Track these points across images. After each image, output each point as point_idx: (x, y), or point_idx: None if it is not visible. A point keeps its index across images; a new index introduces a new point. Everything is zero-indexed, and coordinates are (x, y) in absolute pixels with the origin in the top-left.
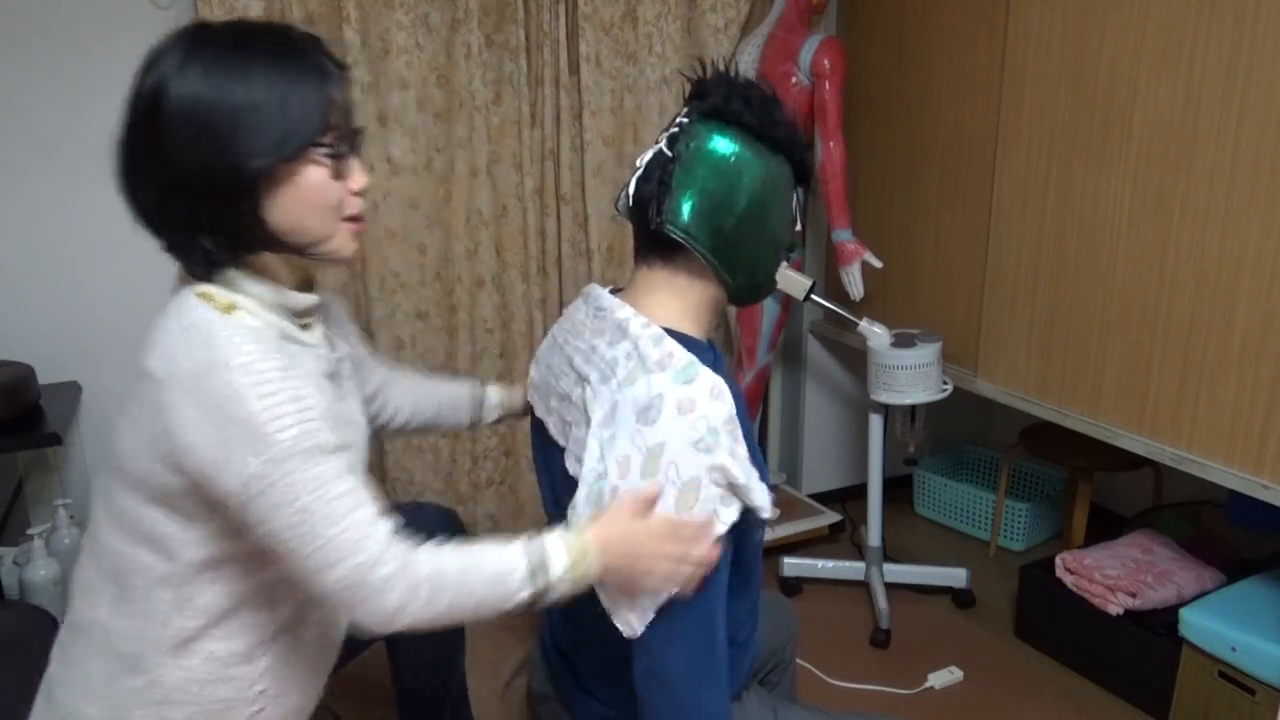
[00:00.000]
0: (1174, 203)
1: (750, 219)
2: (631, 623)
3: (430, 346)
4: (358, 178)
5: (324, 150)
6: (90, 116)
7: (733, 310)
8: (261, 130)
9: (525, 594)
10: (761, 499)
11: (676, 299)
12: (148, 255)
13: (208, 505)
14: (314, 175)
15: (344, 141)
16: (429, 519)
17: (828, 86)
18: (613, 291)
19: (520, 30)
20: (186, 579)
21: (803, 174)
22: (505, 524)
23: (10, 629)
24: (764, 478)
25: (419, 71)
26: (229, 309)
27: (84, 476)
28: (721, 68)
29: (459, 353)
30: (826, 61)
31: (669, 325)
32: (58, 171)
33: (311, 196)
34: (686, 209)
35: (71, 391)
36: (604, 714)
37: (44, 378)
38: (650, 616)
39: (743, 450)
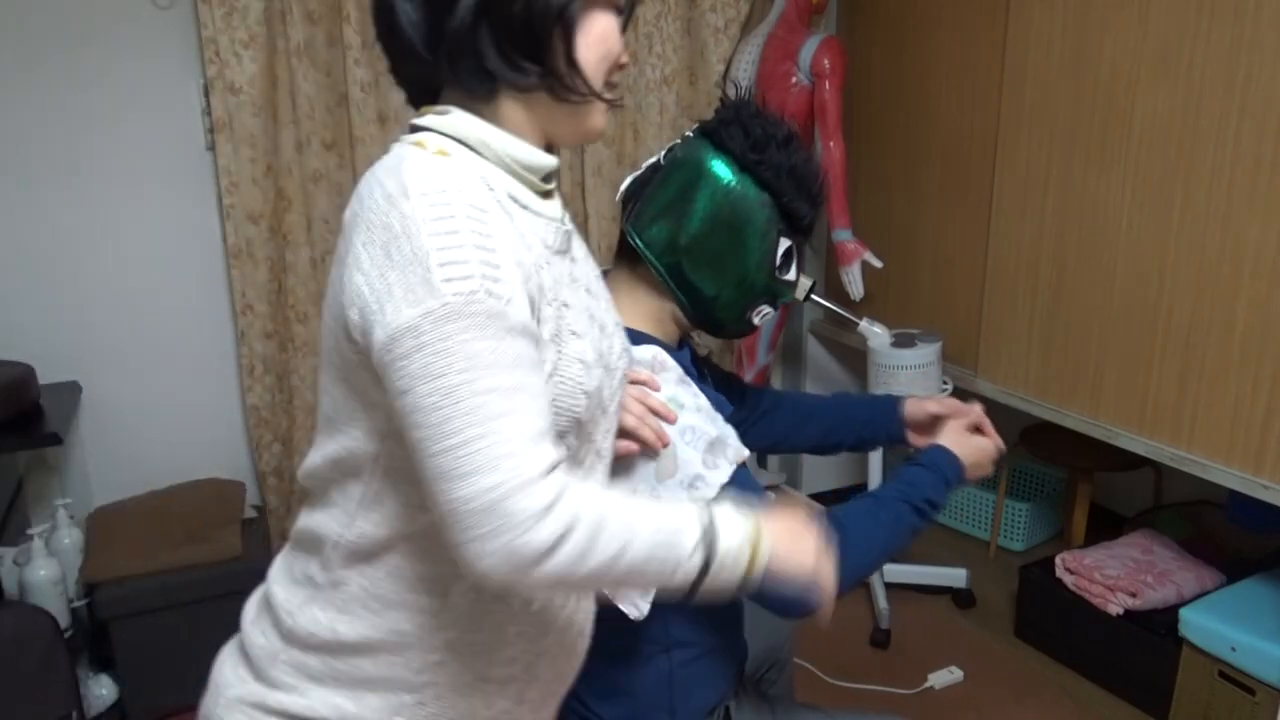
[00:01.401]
0: (1174, 203)
1: (712, 246)
2: (637, 603)
3: None
4: (627, 51)
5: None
6: (91, 116)
7: None
8: None
9: (696, 562)
10: (736, 442)
11: (636, 305)
12: (148, 256)
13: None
14: (606, 23)
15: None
16: None
17: (828, 86)
18: None
19: None
20: (374, 473)
21: (792, 222)
22: None
23: (10, 629)
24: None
25: None
26: (440, 153)
27: (84, 476)
28: (745, 96)
29: None
30: (826, 61)
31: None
32: (58, 172)
33: (598, 44)
34: (652, 219)
35: (71, 391)
36: None
37: (44, 378)
38: (652, 594)
39: (704, 400)
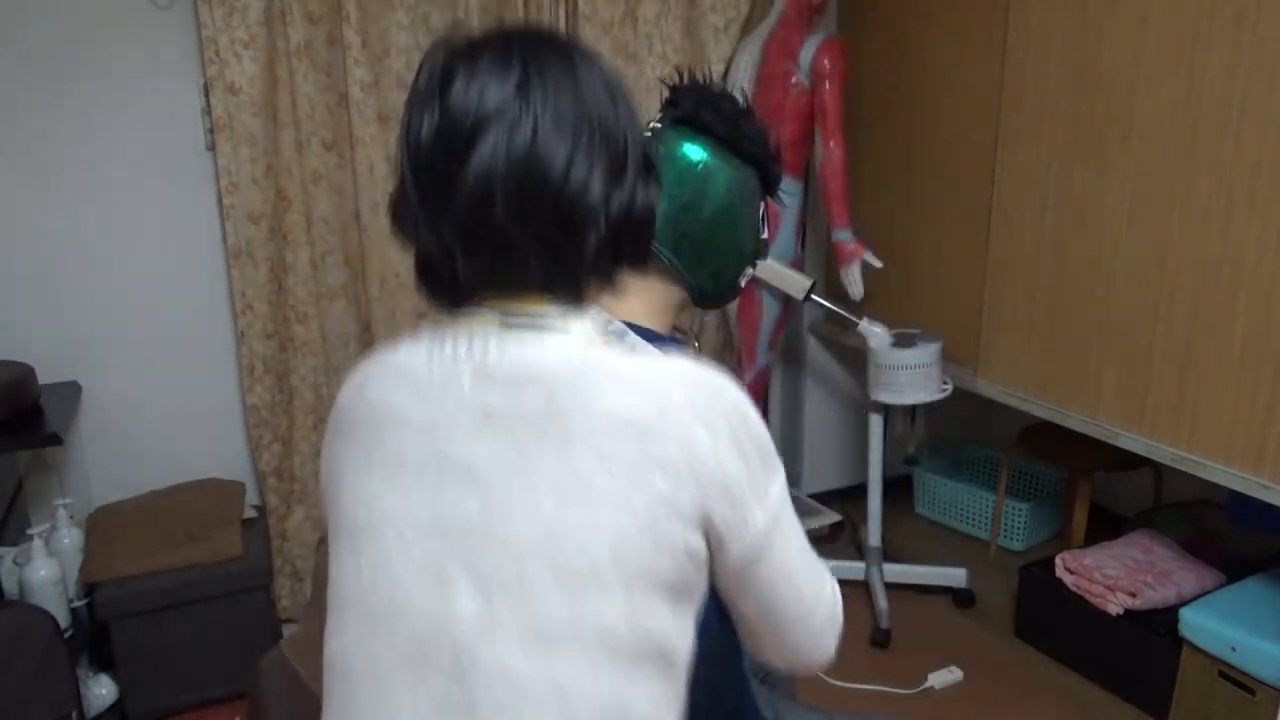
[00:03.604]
0: (1174, 203)
1: (716, 225)
2: None
3: None
4: None
5: None
6: (90, 116)
7: (733, 309)
8: None
9: None
10: None
11: (640, 297)
12: (148, 255)
13: (704, 576)
14: None
15: None
16: None
17: (828, 86)
18: None
19: None
20: (681, 690)
21: (768, 182)
22: None
23: (10, 629)
24: None
25: None
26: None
27: (84, 476)
28: (698, 77)
29: None
30: (827, 61)
31: (632, 320)
32: (58, 172)
33: None
34: (663, 219)
35: (71, 391)
36: None
37: (44, 378)
38: None
39: None
